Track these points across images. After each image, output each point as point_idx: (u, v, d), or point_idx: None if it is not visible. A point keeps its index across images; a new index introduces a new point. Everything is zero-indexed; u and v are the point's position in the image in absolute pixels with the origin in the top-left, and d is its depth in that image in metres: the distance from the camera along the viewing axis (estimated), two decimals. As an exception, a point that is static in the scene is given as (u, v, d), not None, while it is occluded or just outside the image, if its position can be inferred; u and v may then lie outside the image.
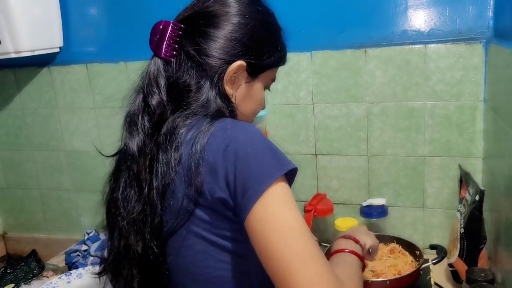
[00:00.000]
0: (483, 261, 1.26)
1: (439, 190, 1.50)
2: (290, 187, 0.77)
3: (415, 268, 1.26)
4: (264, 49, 0.90)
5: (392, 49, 1.45)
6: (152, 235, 0.81)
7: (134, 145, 0.84)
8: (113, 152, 0.94)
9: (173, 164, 0.79)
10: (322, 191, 1.61)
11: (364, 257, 1.03)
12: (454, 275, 1.33)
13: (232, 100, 0.89)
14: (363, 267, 0.97)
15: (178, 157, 0.79)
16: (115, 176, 0.91)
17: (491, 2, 1.35)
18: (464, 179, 1.37)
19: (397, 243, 1.40)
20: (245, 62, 0.87)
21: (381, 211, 1.50)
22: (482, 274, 1.15)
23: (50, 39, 1.72)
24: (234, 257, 0.81)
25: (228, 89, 0.88)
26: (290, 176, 0.77)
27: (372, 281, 1.20)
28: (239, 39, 0.87)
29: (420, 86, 1.44)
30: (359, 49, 1.48)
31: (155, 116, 0.85)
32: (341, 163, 1.58)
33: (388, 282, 1.20)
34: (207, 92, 0.85)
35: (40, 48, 1.68)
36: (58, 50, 1.78)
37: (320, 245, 1.43)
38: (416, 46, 1.42)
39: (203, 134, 0.78)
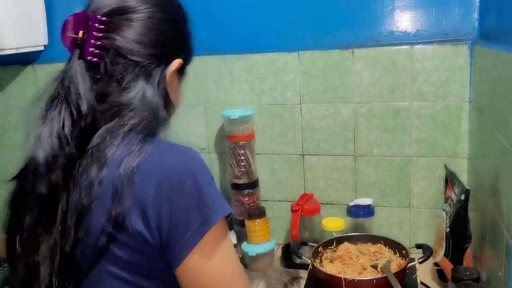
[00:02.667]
0: (468, 260, 1.28)
1: (425, 190, 1.51)
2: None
3: (401, 267, 1.27)
4: (190, 45, 0.91)
5: (379, 50, 1.46)
6: (62, 275, 0.71)
7: (41, 158, 0.74)
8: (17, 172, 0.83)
9: (95, 186, 0.68)
10: (309, 191, 1.61)
11: None
12: (440, 274, 1.34)
13: (170, 96, 0.86)
14: None
15: (101, 179, 0.69)
16: (17, 199, 0.79)
17: (477, 4, 1.37)
18: (450, 179, 1.39)
19: (383, 244, 1.41)
20: (181, 59, 0.86)
21: (368, 211, 1.51)
22: (468, 273, 1.16)
23: (34, 36, 1.69)
24: None
25: (167, 86, 0.85)
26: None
27: (358, 280, 1.20)
28: (171, 37, 0.84)
29: (407, 86, 1.45)
30: (346, 49, 1.48)
31: (80, 124, 0.75)
32: (328, 163, 1.59)
33: (374, 280, 1.20)
34: (142, 91, 0.78)
35: (24, 46, 1.65)
36: (42, 48, 1.75)
37: (306, 244, 1.43)
38: (403, 47, 1.44)
39: (134, 155, 0.69)
